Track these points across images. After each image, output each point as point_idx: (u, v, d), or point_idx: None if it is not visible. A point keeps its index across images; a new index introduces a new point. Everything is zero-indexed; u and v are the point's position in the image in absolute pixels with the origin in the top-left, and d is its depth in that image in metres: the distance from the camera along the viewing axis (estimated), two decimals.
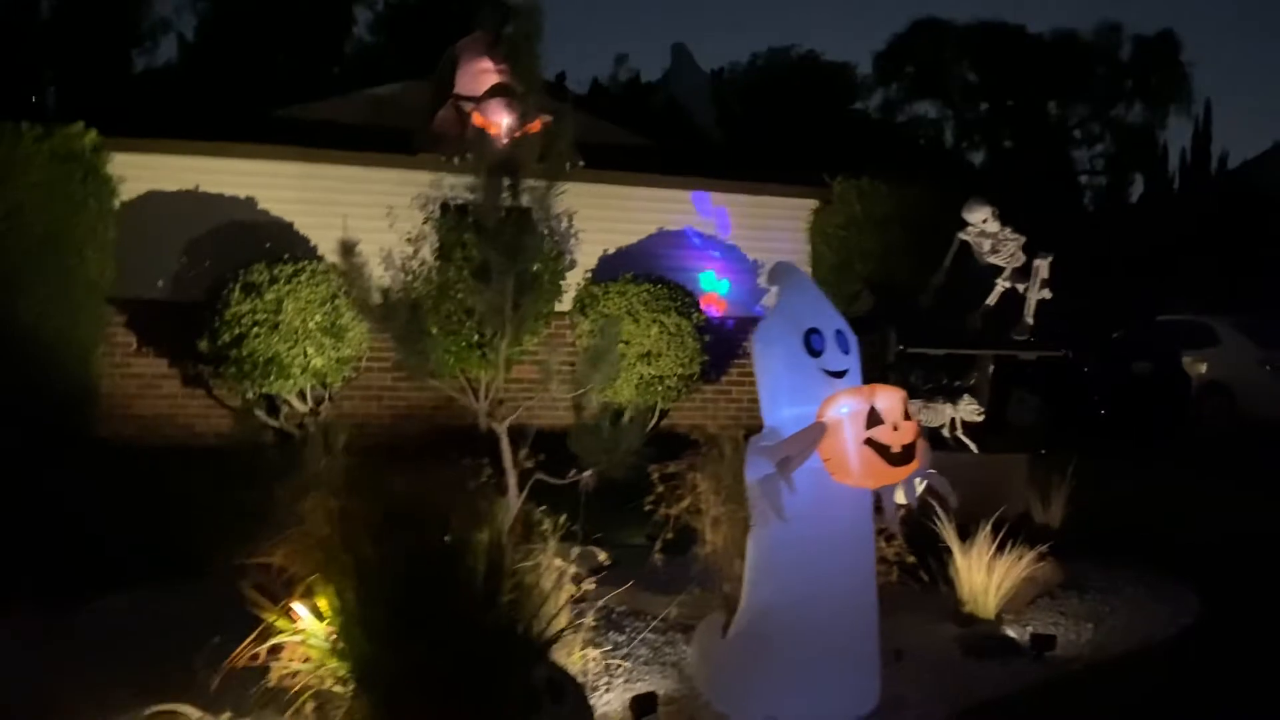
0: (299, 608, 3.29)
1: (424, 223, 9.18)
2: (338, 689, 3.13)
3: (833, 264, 10.71)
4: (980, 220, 6.01)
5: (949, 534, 4.95)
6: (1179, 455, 10.83)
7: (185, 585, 4.97)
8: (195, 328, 8.79)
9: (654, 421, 9.55)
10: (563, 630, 3.49)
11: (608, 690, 3.91)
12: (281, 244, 9.47)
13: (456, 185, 9.48)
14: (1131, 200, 31.68)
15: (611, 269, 10.36)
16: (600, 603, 3.99)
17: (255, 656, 3.36)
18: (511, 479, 4.60)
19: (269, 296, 8.46)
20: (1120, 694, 4.24)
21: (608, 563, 4.03)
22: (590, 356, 4.64)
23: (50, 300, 8.58)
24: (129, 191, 9.42)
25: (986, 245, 6.06)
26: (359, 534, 2.98)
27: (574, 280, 9.71)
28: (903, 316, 6.03)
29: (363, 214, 8.87)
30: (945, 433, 5.83)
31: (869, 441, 3.46)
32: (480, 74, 10.10)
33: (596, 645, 4.06)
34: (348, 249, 4.47)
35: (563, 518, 3.95)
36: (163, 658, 3.94)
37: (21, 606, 4.56)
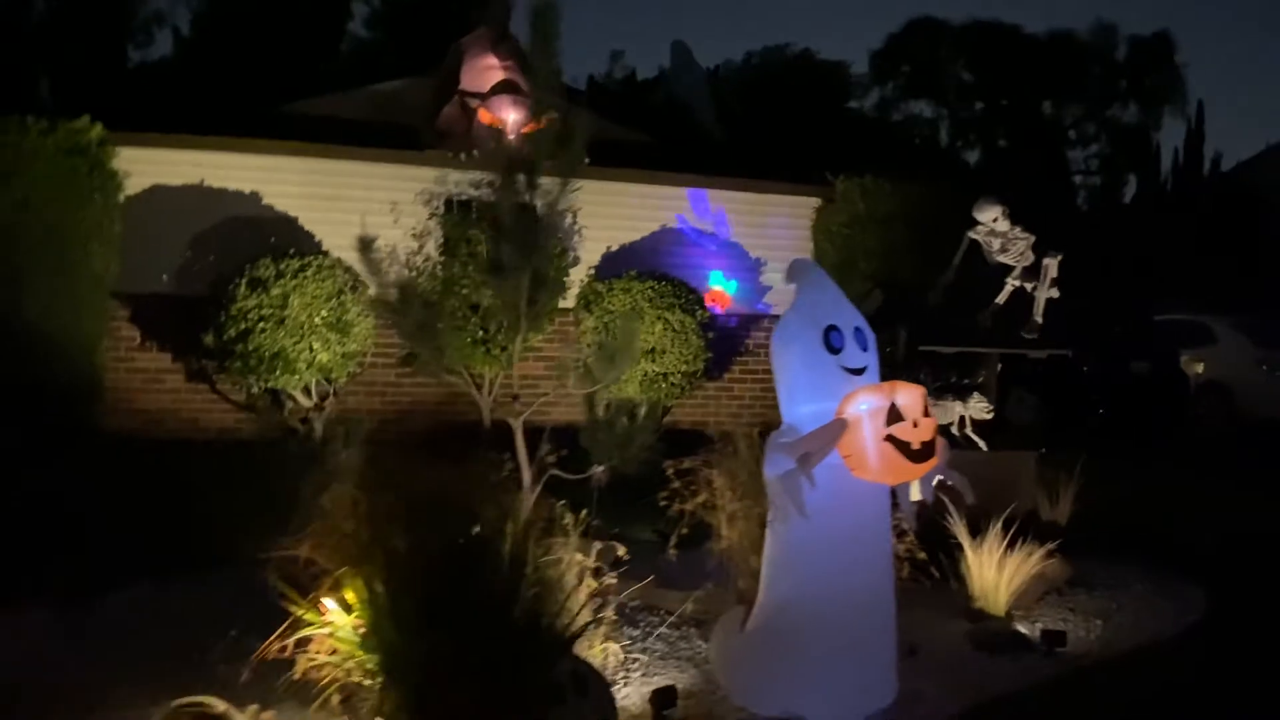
0: (327, 600, 3.31)
1: (429, 218, 9.21)
2: (365, 681, 3.15)
3: (836, 262, 10.73)
4: (991, 219, 6.05)
5: (960, 531, 5.00)
6: (1178, 455, 10.91)
7: (198, 579, 5.00)
8: (200, 322, 8.79)
9: (640, 419, 9.57)
10: (589, 624, 3.51)
11: (625, 684, 3.94)
12: (286, 239, 9.46)
13: (461, 181, 9.55)
14: (1124, 201, 31.79)
15: (614, 266, 10.38)
16: (619, 597, 4.01)
17: (283, 649, 3.38)
18: (526, 474, 4.63)
19: (275, 291, 8.46)
20: (1132, 690, 4.28)
21: (627, 557, 4.06)
22: (608, 352, 4.64)
23: (55, 294, 8.57)
24: (134, 186, 9.40)
25: (996, 244, 6.10)
26: (388, 527, 3.00)
27: (577, 277, 9.74)
28: (913, 315, 6.06)
29: (367, 210, 8.89)
30: (954, 430, 5.87)
31: (890, 438, 3.48)
32: (486, 70, 10.13)
33: (613, 639, 4.08)
34: (365, 244, 4.47)
35: (584, 512, 3.97)
36: (182, 651, 3.97)
37: (33, 601, 4.56)
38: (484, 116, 9.57)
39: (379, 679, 3.07)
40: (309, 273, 8.64)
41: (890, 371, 3.91)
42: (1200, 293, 15.98)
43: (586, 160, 5.01)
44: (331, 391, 9.17)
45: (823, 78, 32.49)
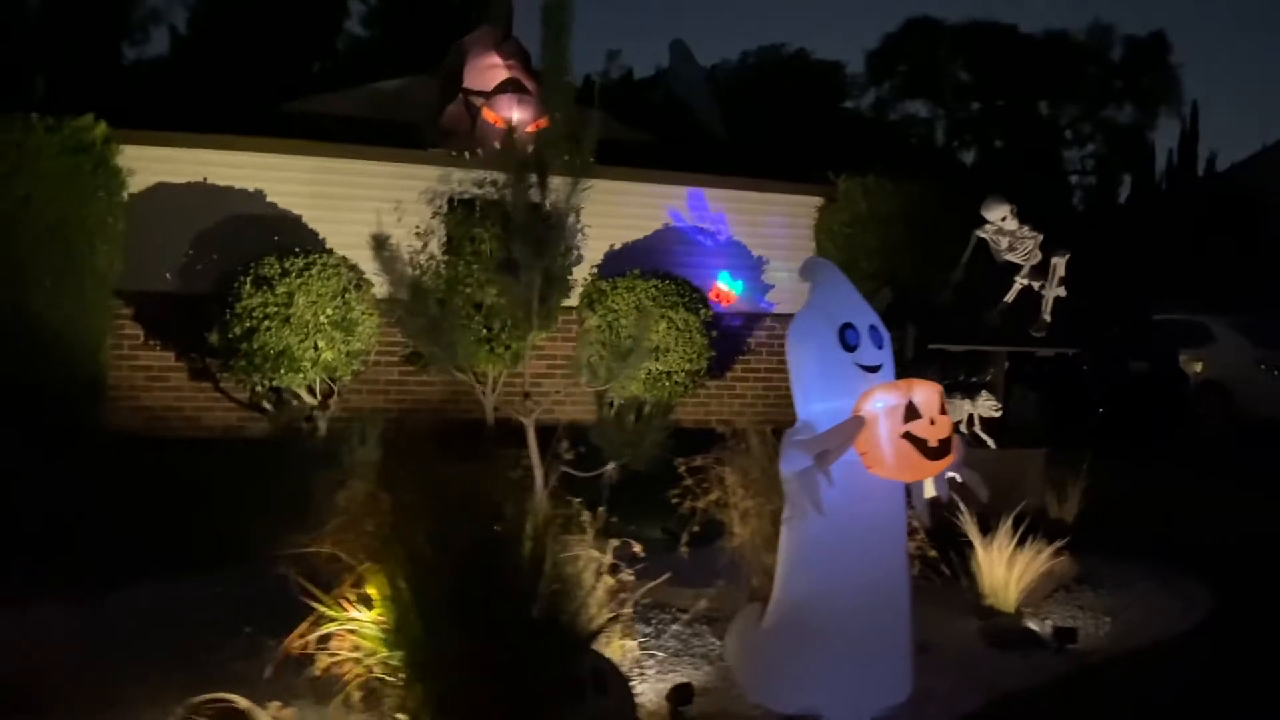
0: (349, 596, 3.32)
1: (432, 217, 9.22)
2: (387, 678, 3.15)
3: (838, 261, 10.61)
4: (999, 218, 6.07)
5: (971, 528, 5.01)
6: (1178, 454, 10.95)
7: (205, 577, 5.01)
8: (203, 321, 8.81)
9: (652, 417, 9.59)
10: (610, 620, 3.53)
11: (641, 681, 3.95)
12: (289, 237, 9.48)
13: (464, 180, 9.56)
14: (1120, 201, 31.86)
15: (617, 265, 10.40)
16: (636, 595, 4.02)
17: (303, 645, 3.38)
18: (538, 472, 4.65)
19: (280, 290, 8.47)
20: (1143, 686, 4.30)
21: (643, 555, 4.07)
22: (621, 350, 4.65)
23: (59, 292, 8.57)
24: (138, 184, 9.41)
25: (1004, 243, 6.12)
26: (413, 524, 3.01)
27: (579, 275, 9.76)
28: (921, 313, 6.08)
29: (370, 208, 8.89)
30: (963, 428, 5.89)
31: (907, 435, 3.50)
32: (489, 69, 10.16)
33: (629, 637, 4.10)
34: (379, 243, 4.48)
35: (600, 510, 3.98)
36: (196, 649, 3.98)
37: (37, 600, 4.54)
38: (488, 115, 9.59)
39: (401, 675, 3.07)
40: (314, 271, 8.66)
41: (899, 370, 3.93)
42: (1196, 292, 16.02)
43: (591, 159, 5.03)
44: (335, 390, 9.18)
45: (818, 78, 32.55)
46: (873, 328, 3.82)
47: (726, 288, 10.99)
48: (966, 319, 6.16)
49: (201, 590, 4.85)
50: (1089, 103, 34.18)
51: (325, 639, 3.36)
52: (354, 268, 8.92)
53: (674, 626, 4.53)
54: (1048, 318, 6.13)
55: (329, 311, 8.60)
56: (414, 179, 9.53)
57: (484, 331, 8.43)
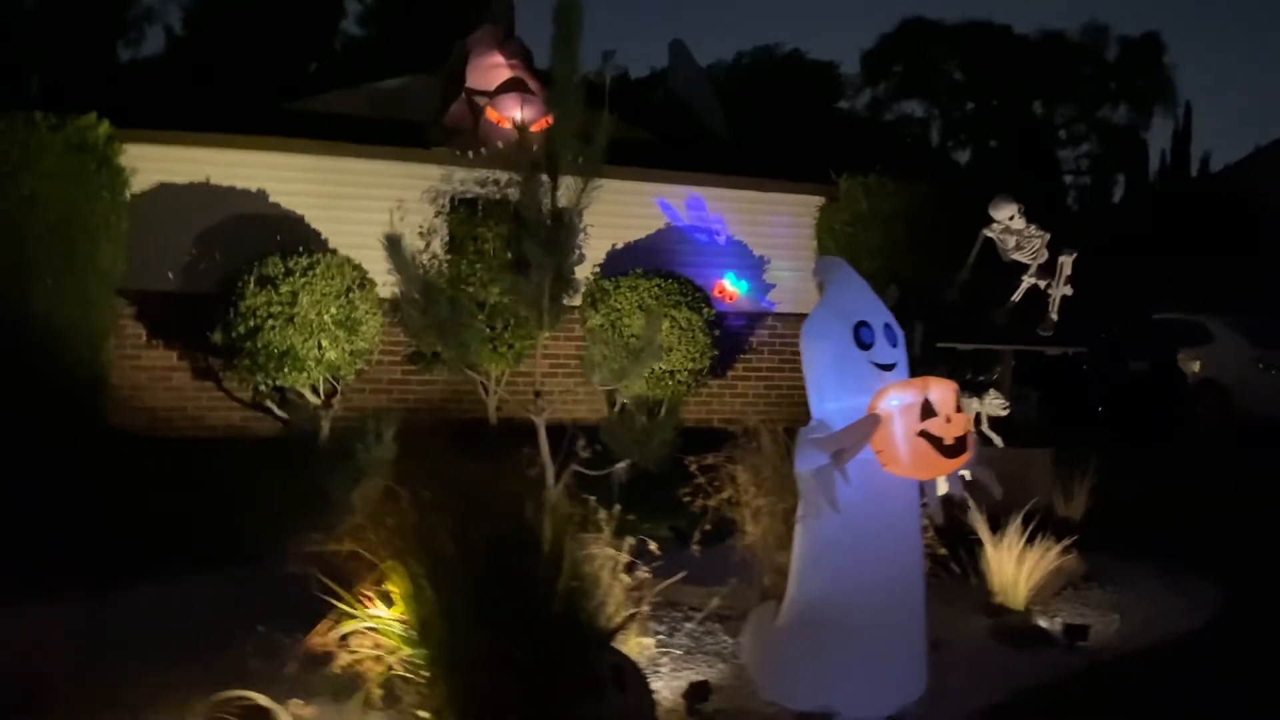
0: (370, 594, 3.32)
1: (435, 216, 9.23)
2: (408, 675, 3.16)
3: None
4: (1006, 217, 6.10)
5: (981, 526, 5.03)
6: (1178, 453, 10.98)
7: (211, 576, 5.00)
8: (206, 320, 8.79)
9: (661, 416, 9.61)
10: (630, 617, 3.54)
11: (655, 678, 3.95)
12: (292, 237, 9.47)
13: (467, 179, 9.56)
14: (1113, 201, 31.96)
15: (619, 264, 10.41)
16: (654, 593, 4.04)
17: (322, 643, 3.39)
18: (549, 470, 4.65)
19: (284, 289, 8.47)
20: (1156, 683, 4.31)
21: (659, 553, 4.08)
22: (633, 350, 4.66)
23: (62, 290, 8.56)
24: (140, 183, 9.41)
25: (1011, 242, 6.15)
26: (436, 523, 3.01)
27: (582, 274, 9.74)
28: (929, 312, 6.10)
29: (373, 207, 8.93)
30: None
31: (923, 433, 3.51)
32: (492, 68, 10.16)
33: (645, 635, 4.11)
34: (393, 243, 4.47)
35: (616, 508, 3.99)
36: (210, 646, 3.97)
37: (41, 600, 4.54)
38: (491, 115, 9.60)
39: (424, 673, 3.08)
40: (318, 270, 8.65)
41: (908, 368, 3.94)
42: (1190, 292, 16.06)
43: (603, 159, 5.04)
44: (338, 389, 9.18)
45: (813, 78, 32.61)
46: (887, 326, 3.83)
47: (731, 286, 11.01)
48: (974, 318, 6.19)
49: (210, 589, 4.84)
50: (1083, 103, 34.29)
51: (344, 637, 3.37)
52: (357, 267, 8.92)
53: (687, 625, 4.54)
54: (1055, 316, 6.15)
55: (333, 311, 8.60)
56: (417, 178, 9.54)
57: (487, 331, 8.44)
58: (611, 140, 4.96)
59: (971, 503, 4.92)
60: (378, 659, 3.28)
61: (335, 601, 3.40)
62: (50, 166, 8.44)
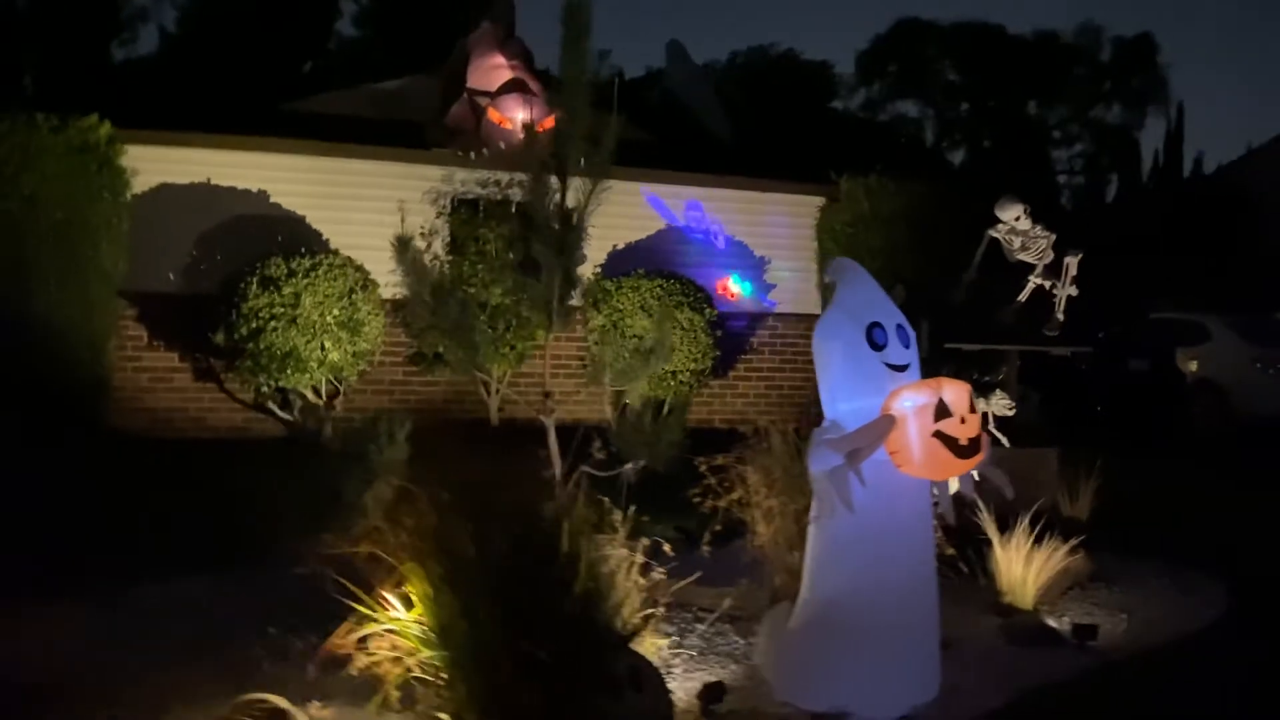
0: (389, 596, 3.32)
1: (436, 217, 9.22)
2: (427, 677, 3.16)
3: None
4: (1012, 218, 6.12)
5: (989, 526, 5.04)
6: (1177, 453, 11.01)
7: (216, 577, 4.99)
8: (208, 321, 8.78)
9: (666, 416, 9.61)
10: (647, 618, 3.54)
11: (669, 679, 3.96)
12: (294, 238, 9.46)
13: (468, 180, 9.56)
14: (1106, 200, 32.04)
15: (620, 264, 10.41)
16: (669, 594, 4.04)
17: (340, 645, 3.39)
18: (559, 471, 4.66)
19: (287, 290, 8.46)
20: (1166, 682, 4.33)
21: (672, 554, 4.08)
22: (643, 350, 4.67)
23: (63, 292, 8.54)
24: (142, 184, 9.38)
25: (1017, 242, 6.17)
26: (456, 525, 3.01)
27: (582, 275, 9.75)
28: (935, 312, 6.12)
29: (374, 208, 8.93)
30: None
31: (938, 434, 3.52)
32: (493, 69, 10.16)
33: (658, 636, 4.11)
34: (403, 244, 4.47)
35: (631, 509, 3.99)
36: (225, 649, 3.96)
37: (42, 601, 4.52)
38: (493, 115, 9.59)
39: (443, 675, 3.08)
40: (320, 271, 8.64)
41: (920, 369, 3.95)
42: (1185, 292, 16.09)
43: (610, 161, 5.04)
44: (340, 390, 9.18)
45: (807, 78, 32.66)
46: (900, 327, 3.84)
47: (735, 285, 11.03)
48: (980, 318, 6.21)
49: (214, 590, 4.83)
50: (1077, 103, 34.39)
51: (363, 640, 3.36)
52: (360, 268, 8.91)
53: (698, 626, 4.54)
54: (1061, 316, 6.17)
55: (335, 312, 8.59)
56: (417, 179, 9.53)
57: (489, 332, 8.44)
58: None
59: (980, 502, 4.93)
60: (396, 661, 3.28)
61: (351, 603, 3.39)
62: (51, 168, 8.42)
